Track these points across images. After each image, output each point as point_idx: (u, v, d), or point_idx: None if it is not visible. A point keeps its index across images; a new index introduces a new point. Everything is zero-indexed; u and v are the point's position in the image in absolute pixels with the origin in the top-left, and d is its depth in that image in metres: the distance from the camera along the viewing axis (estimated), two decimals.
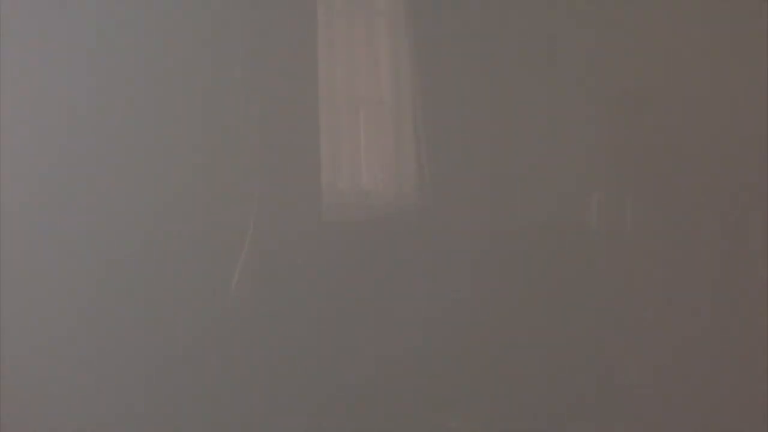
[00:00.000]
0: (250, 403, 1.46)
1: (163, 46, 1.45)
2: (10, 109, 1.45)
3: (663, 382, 1.42)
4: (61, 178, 1.46)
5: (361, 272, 1.46)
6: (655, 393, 1.42)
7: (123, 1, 1.45)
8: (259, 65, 1.47)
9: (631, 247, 1.43)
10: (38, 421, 1.48)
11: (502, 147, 1.43)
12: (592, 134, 1.42)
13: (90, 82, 1.46)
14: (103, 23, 1.45)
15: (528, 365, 1.43)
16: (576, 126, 1.42)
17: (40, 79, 1.46)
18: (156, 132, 1.46)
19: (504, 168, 1.43)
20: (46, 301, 1.47)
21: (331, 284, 1.46)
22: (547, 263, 1.43)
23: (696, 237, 1.40)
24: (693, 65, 1.40)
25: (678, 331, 1.41)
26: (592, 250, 1.43)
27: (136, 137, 1.46)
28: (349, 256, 1.46)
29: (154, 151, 1.46)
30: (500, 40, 1.43)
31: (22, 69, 1.45)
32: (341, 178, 1.48)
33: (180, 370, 1.47)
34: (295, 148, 1.47)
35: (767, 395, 1.38)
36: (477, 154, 1.44)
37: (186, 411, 1.47)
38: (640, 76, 1.41)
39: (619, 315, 1.42)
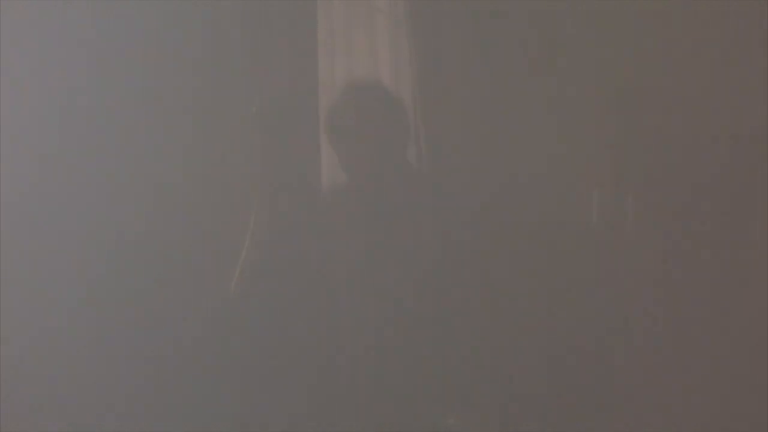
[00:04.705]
0: (250, 402, 1.46)
1: (163, 46, 1.45)
2: (10, 109, 1.45)
3: (663, 381, 1.42)
4: (62, 178, 1.46)
5: (361, 271, 1.46)
6: (655, 392, 1.42)
7: (123, 2, 1.45)
8: (259, 65, 1.47)
9: (631, 246, 1.43)
10: (38, 421, 1.48)
11: (501, 146, 1.43)
12: (593, 133, 1.42)
13: (90, 83, 1.46)
14: (103, 24, 1.45)
15: (528, 364, 1.44)
16: (576, 125, 1.42)
17: (41, 80, 1.46)
18: (156, 132, 1.46)
19: (504, 167, 1.43)
20: (46, 301, 1.47)
21: (331, 283, 1.46)
22: (547, 262, 1.43)
23: (696, 236, 1.41)
24: (693, 65, 1.40)
25: (678, 331, 1.41)
26: (592, 249, 1.43)
27: (136, 137, 1.46)
28: (349, 255, 1.46)
29: (155, 150, 1.46)
30: (500, 40, 1.43)
31: (22, 69, 1.46)
32: (342, 178, 1.48)
33: (180, 370, 1.47)
34: (296, 147, 1.47)
35: (767, 395, 1.39)
36: (477, 154, 1.44)
37: (186, 410, 1.47)
38: (641, 75, 1.41)
39: (620, 314, 1.42)
